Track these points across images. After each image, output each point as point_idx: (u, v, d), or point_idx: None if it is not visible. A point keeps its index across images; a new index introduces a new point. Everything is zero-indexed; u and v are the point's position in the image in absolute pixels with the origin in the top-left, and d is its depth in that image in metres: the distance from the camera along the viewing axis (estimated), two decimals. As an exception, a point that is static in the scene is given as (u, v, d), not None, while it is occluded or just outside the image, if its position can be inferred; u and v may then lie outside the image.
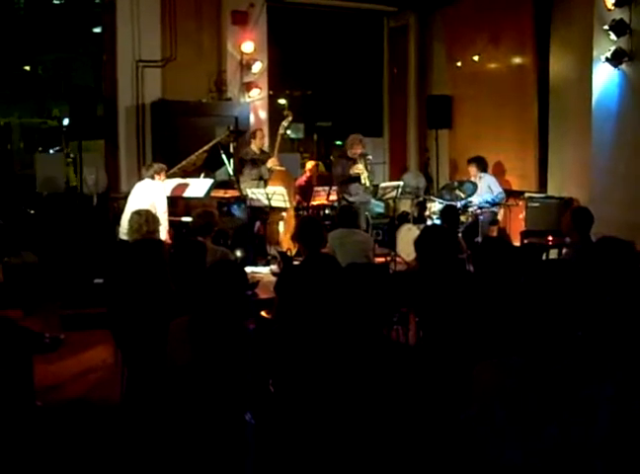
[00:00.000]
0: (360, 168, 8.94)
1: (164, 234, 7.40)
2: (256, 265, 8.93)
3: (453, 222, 7.85)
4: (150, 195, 7.76)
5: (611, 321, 3.10)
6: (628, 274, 3.60)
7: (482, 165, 10.04)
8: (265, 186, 9.14)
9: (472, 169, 10.02)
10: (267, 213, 9.13)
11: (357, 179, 9.05)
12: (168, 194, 8.24)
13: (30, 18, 17.81)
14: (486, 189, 9.81)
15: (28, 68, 20.49)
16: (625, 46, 8.37)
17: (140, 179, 8.25)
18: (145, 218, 6.06)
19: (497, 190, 9.82)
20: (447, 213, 8.02)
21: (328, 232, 6.26)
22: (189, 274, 4.54)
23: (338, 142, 20.08)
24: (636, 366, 2.71)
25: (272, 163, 9.33)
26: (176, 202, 8.33)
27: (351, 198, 9.05)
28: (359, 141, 9.10)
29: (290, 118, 9.71)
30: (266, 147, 9.97)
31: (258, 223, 9.42)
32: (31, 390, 3.88)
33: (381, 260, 8.49)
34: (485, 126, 10.78)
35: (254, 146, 9.65)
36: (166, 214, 7.74)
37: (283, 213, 9.22)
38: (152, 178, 7.95)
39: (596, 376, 2.16)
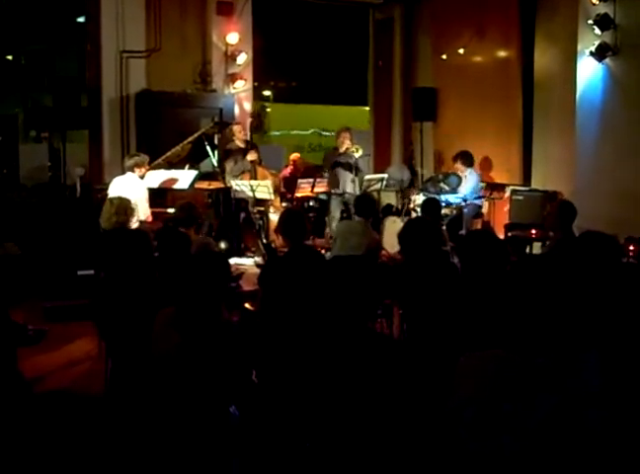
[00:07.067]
0: None
1: None
2: (240, 256, 8.92)
3: (435, 215, 7.83)
4: (132, 194, 7.53)
5: (594, 312, 3.12)
6: (611, 267, 3.62)
7: (468, 160, 9.78)
8: (252, 178, 9.14)
9: (458, 166, 9.80)
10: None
11: None
12: (156, 185, 8.17)
13: (13, 7, 17.62)
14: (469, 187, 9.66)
15: (10, 58, 20.29)
16: (609, 41, 8.41)
17: (122, 169, 8.13)
18: (129, 203, 6.07)
19: (473, 188, 9.59)
20: (429, 206, 8.00)
21: (311, 224, 6.28)
22: (173, 264, 4.54)
23: (324, 133, 20.12)
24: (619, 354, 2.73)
25: (251, 156, 9.29)
26: (163, 194, 8.27)
27: None
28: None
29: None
30: (248, 138, 9.93)
31: (242, 214, 9.40)
32: (21, 383, 3.86)
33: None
34: (470, 119, 10.78)
35: (236, 140, 9.64)
36: (150, 218, 7.64)
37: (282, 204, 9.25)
38: (132, 170, 7.70)
39: (578, 363, 2.17)
